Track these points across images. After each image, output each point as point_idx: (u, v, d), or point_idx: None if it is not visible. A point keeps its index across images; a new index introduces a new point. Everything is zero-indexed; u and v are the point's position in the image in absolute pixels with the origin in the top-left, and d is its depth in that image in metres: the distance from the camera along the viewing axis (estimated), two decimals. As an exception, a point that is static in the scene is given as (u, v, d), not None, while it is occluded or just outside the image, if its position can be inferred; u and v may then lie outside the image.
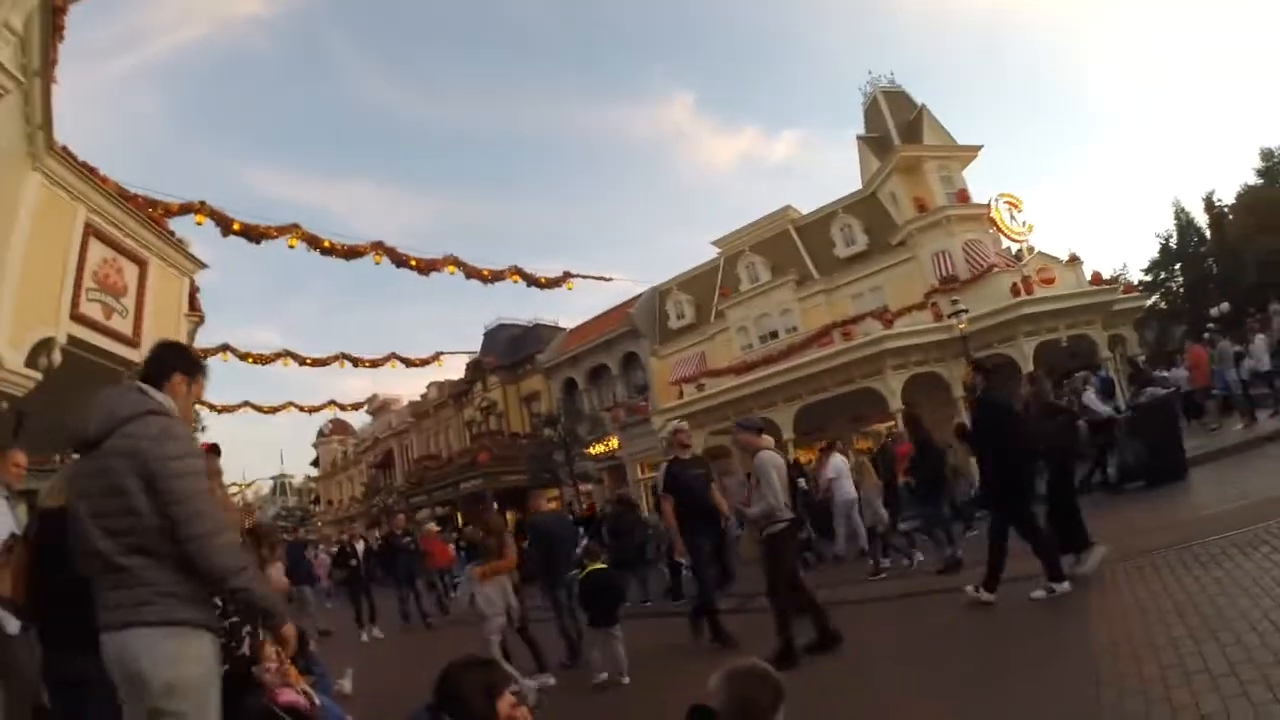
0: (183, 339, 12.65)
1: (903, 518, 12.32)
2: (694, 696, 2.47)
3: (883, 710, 5.63)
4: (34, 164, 8.52)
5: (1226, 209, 54.85)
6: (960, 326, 21.89)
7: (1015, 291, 23.58)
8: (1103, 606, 6.65)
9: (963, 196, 28.01)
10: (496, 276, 23.32)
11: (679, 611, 11.52)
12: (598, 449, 35.39)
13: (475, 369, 42.74)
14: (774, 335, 29.75)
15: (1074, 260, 26.84)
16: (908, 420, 12.26)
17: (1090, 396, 14.80)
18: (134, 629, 2.75)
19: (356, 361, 32.53)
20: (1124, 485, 13.55)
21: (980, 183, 36.74)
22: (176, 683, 2.76)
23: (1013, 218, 27.09)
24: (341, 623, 16.11)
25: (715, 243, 33.88)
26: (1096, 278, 26.69)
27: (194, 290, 13.49)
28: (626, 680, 7.69)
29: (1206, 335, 23.02)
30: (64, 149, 8.98)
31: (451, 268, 21.94)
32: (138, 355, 10.58)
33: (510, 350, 42.85)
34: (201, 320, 14.68)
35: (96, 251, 9.89)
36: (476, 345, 43.79)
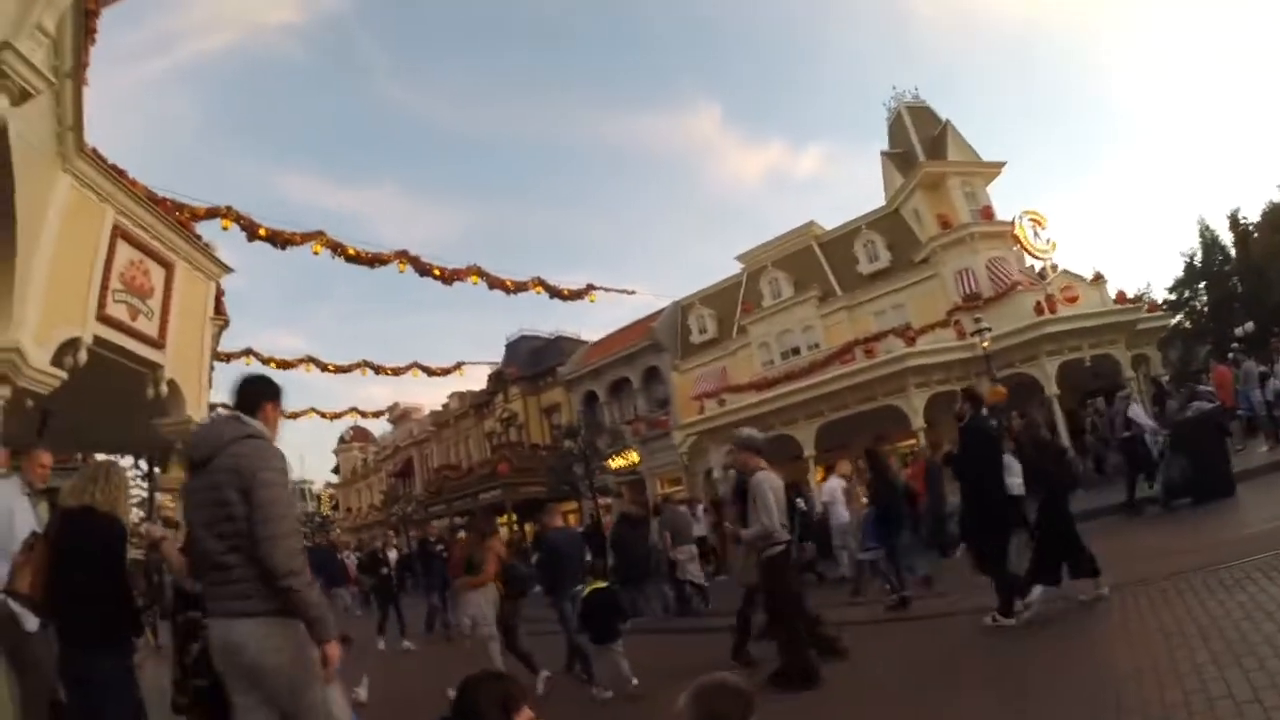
0: (207, 343, 12.79)
1: (863, 547, 12.34)
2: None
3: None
4: (64, 165, 8.57)
5: (1252, 227, 54.37)
6: (983, 345, 21.80)
7: (1039, 310, 23.47)
8: (1126, 631, 6.60)
9: (987, 213, 28.00)
10: (519, 287, 23.35)
11: (681, 629, 12.06)
12: (617, 462, 35.31)
13: (497, 379, 42.82)
14: (796, 351, 29.65)
15: (1098, 279, 26.74)
16: (867, 454, 12.17)
17: (1136, 410, 14.80)
18: (239, 619, 3.25)
19: (378, 369, 32.62)
20: (1171, 503, 13.21)
21: (1004, 199, 36.56)
22: (280, 665, 3.24)
23: (1036, 235, 26.98)
24: (361, 629, 16.08)
25: (739, 257, 34.01)
26: (1120, 297, 26.53)
27: (219, 294, 13.60)
28: (635, 682, 7.72)
29: (1231, 355, 22.88)
30: (94, 151, 9.03)
31: (475, 278, 21.98)
32: (162, 357, 10.67)
33: (532, 361, 43.00)
34: (226, 324, 14.79)
35: (124, 253, 9.93)
36: (499, 356, 44.08)
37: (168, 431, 11.46)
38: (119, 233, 9.84)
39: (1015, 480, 8.91)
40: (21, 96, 6.22)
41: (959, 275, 26.85)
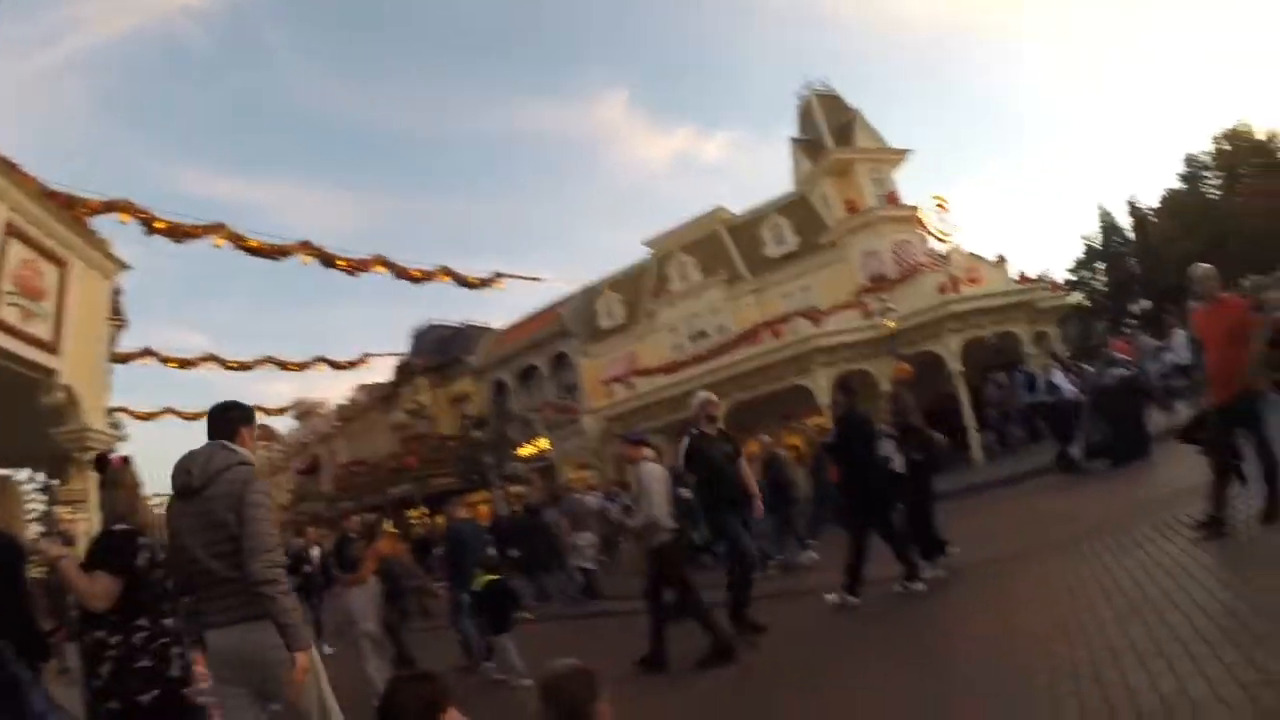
0: (104, 345, 12.25)
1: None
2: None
3: (826, 701, 5.62)
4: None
5: (1149, 212, 56.46)
6: (889, 325, 21.99)
7: (942, 290, 23.71)
8: (1035, 592, 6.86)
9: (893, 198, 28.63)
10: (426, 277, 22.92)
11: (588, 613, 12.42)
12: (528, 450, 34.86)
13: (403, 371, 41.90)
14: (704, 335, 29.64)
15: (1000, 260, 27.22)
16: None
17: (1059, 377, 15.16)
18: (251, 622, 3.62)
19: (282, 365, 31.82)
20: (1091, 463, 13.77)
21: (911, 185, 37.06)
22: (282, 657, 3.59)
23: (941, 219, 27.55)
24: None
25: (646, 243, 33.80)
26: (1022, 277, 27.15)
27: (116, 293, 12.99)
28: (527, 682, 7.53)
29: (1128, 331, 23.46)
30: (-17, 146, 8.48)
31: (380, 268, 21.50)
32: (58, 362, 10.16)
33: (439, 351, 42.15)
34: (124, 325, 14.15)
35: (16, 252, 9.49)
36: (405, 346, 43.12)
37: (65, 440, 10.96)
38: (11, 230, 9.30)
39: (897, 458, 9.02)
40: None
41: (865, 258, 27.30)
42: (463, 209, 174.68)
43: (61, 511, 14.93)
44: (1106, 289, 54.07)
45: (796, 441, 24.62)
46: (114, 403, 14.24)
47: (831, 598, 8.21)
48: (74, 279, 10.71)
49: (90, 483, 9.94)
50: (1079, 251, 59.52)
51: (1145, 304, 37.94)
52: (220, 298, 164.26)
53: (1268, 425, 6.24)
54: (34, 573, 7.37)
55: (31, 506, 13.48)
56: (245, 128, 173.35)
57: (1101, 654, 4.79)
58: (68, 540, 10.80)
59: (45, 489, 14.24)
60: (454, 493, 36.19)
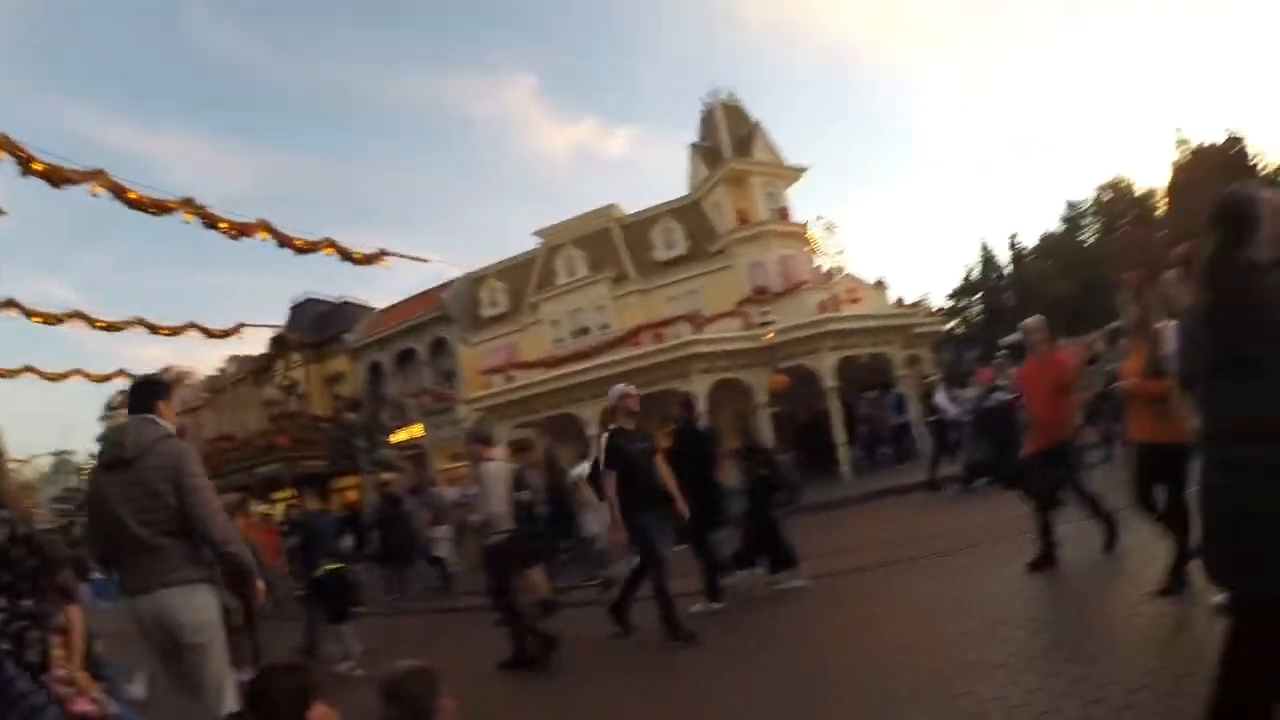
0: None
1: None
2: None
3: (685, 705, 5.75)
4: None
5: (1028, 250, 58.92)
6: (768, 336, 22.29)
7: (823, 308, 24.32)
8: (895, 605, 7.13)
9: (784, 214, 29.21)
10: (310, 248, 22.09)
11: (442, 608, 12.43)
12: (401, 436, 34.30)
13: (278, 345, 40.34)
14: (586, 331, 29.61)
15: (880, 283, 28.12)
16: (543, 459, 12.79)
17: (941, 398, 15.52)
18: (169, 588, 3.93)
19: (153, 328, 30.34)
20: (973, 482, 14.16)
21: (803, 201, 37.99)
22: (202, 621, 3.99)
23: (828, 239, 28.49)
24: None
25: (537, 233, 33.42)
26: (900, 302, 28.01)
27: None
28: (360, 672, 7.81)
29: (996, 360, 24.26)
30: None
31: (263, 234, 20.62)
32: None
33: (317, 327, 40.99)
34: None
35: None
36: (282, 319, 41.63)
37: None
38: None
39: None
40: None
41: (752, 269, 27.66)
42: (355, 179, 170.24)
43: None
44: (981, 318, 56.01)
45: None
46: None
47: (696, 607, 8.25)
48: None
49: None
50: (958, 280, 61.60)
51: (1017, 336, 39.30)
52: (93, 251, 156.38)
53: (1081, 470, 6.64)
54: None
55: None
56: (139, 70, 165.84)
57: (956, 665, 5.04)
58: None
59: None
60: (324, 476, 35.55)
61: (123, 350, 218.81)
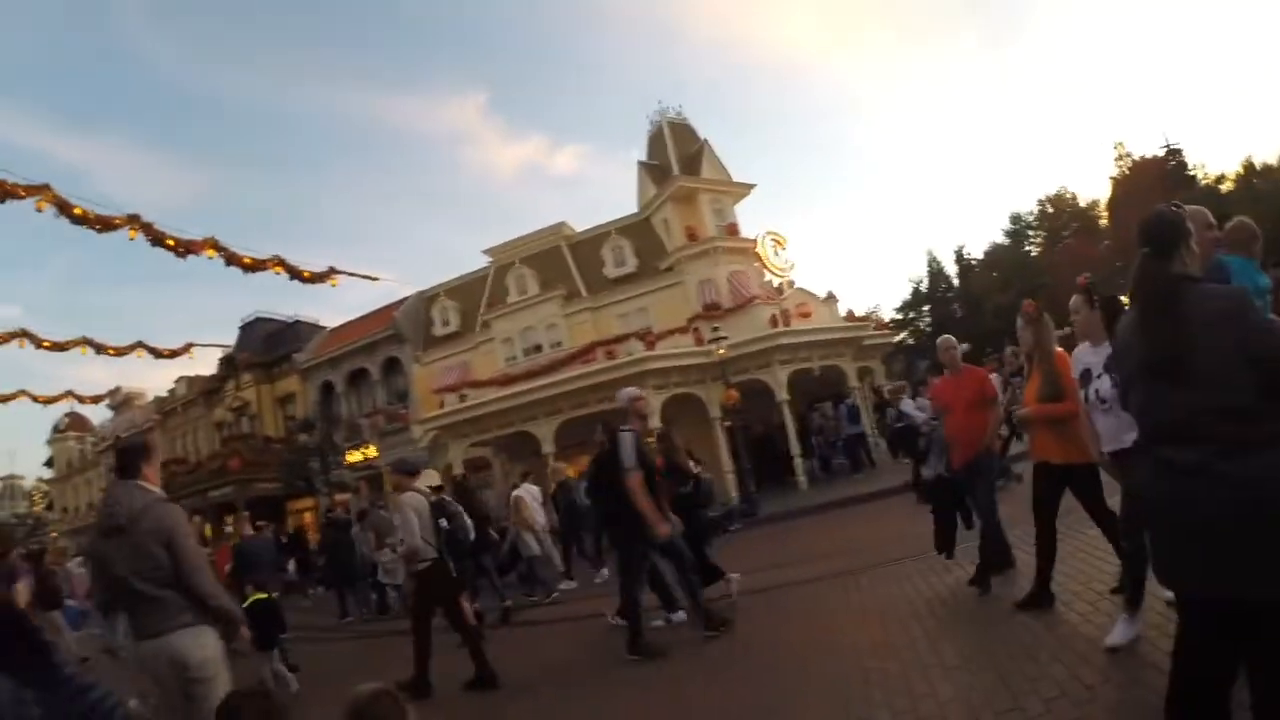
0: None
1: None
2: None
3: (660, 711, 5.84)
4: None
5: (974, 262, 59.97)
6: (720, 352, 22.47)
7: (774, 322, 24.57)
8: (851, 613, 7.21)
9: (732, 230, 29.37)
10: (258, 266, 21.86)
11: (385, 631, 12.24)
12: (355, 457, 34.06)
13: (228, 365, 39.99)
14: (539, 349, 29.61)
15: (830, 297, 28.55)
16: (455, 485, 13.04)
17: (907, 404, 15.75)
18: (176, 632, 4.28)
19: (100, 348, 29.83)
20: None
21: (751, 217, 38.19)
22: (209, 658, 4.35)
23: (777, 254, 29.00)
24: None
25: (487, 251, 33.34)
26: (850, 315, 28.44)
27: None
28: (295, 689, 8.33)
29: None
30: None
31: (211, 251, 20.36)
32: None
33: (267, 347, 40.63)
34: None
35: None
36: (232, 338, 41.05)
37: None
38: None
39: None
40: None
41: (702, 285, 27.87)
42: (304, 197, 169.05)
43: None
44: (930, 329, 56.82)
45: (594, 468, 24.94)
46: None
47: (657, 623, 8.37)
48: None
49: None
50: (907, 293, 62.55)
51: (965, 347, 40.02)
52: (37, 269, 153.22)
53: (994, 485, 6.83)
54: None
55: None
56: (84, 79, 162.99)
57: (917, 668, 5.17)
58: None
59: None
60: (278, 498, 35.18)
61: (68, 371, 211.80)
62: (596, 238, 31.70)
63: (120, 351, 30.38)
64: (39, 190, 16.14)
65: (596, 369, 24.21)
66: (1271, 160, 52.17)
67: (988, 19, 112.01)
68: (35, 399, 34.07)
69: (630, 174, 33.76)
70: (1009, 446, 13.59)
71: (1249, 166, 52.97)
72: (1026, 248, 60.10)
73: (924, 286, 62.49)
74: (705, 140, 31.52)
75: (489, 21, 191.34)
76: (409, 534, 7.60)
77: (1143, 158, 53.42)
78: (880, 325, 35.36)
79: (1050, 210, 60.42)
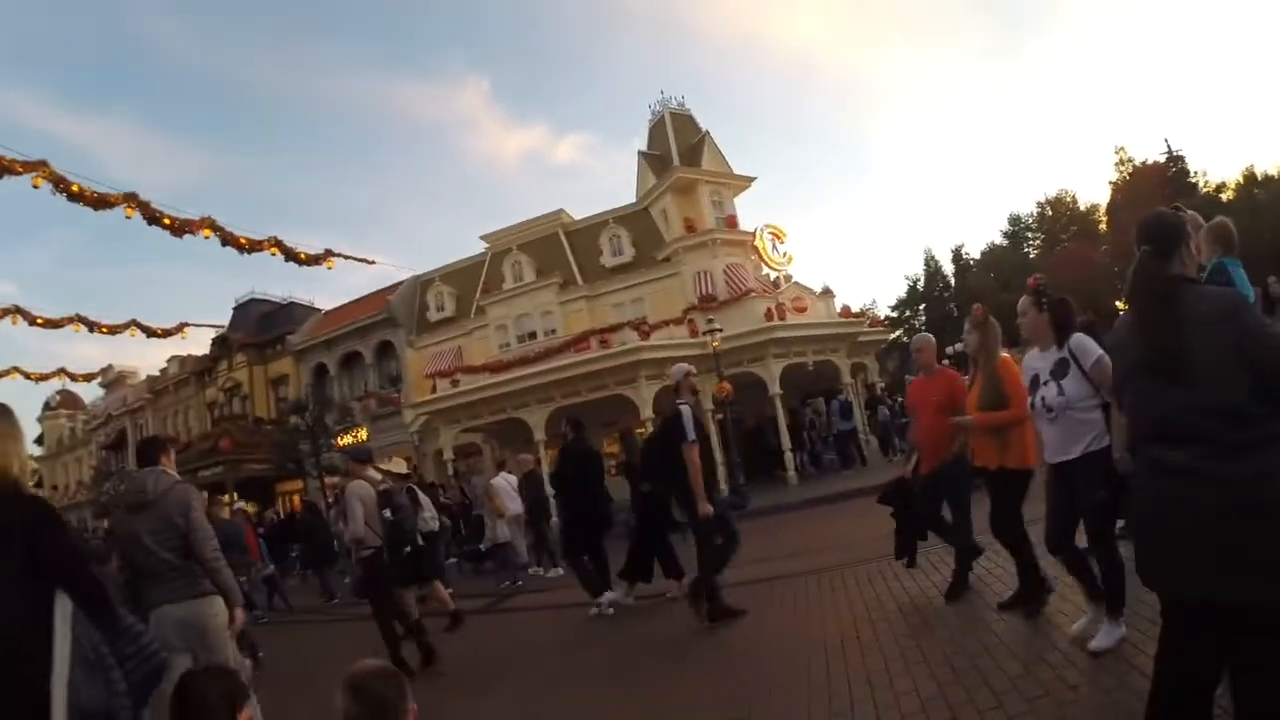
0: None
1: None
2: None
3: (638, 699, 5.82)
4: None
5: (972, 262, 60.03)
6: (714, 344, 22.41)
7: (769, 316, 24.49)
8: (835, 608, 7.14)
9: (731, 222, 29.34)
10: (254, 246, 21.72)
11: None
12: (346, 440, 33.87)
13: (222, 345, 39.96)
14: (533, 336, 29.56)
15: (826, 293, 28.41)
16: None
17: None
18: (196, 599, 4.95)
19: (93, 326, 29.69)
20: None
21: (750, 210, 38.27)
22: (219, 623, 4.99)
23: (775, 247, 28.88)
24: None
25: (484, 237, 33.31)
26: (846, 310, 28.30)
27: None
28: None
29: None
30: None
31: (207, 231, 20.24)
32: None
33: (261, 327, 40.59)
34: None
35: None
36: (225, 319, 40.92)
37: None
38: None
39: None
40: None
41: (698, 277, 27.80)
42: (303, 178, 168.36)
43: None
44: (925, 328, 56.89)
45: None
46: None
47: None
48: None
49: None
50: (903, 291, 62.62)
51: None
52: (34, 245, 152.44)
53: (969, 493, 6.52)
54: None
55: None
56: (85, 59, 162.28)
57: (896, 665, 5.15)
58: None
59: None
60: (268, 479, 35.10)
61: (62, 348, 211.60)
62: (594, 226, 31.69)
63: (113, 330, 30.21)
64: (36, 166, 16.04)
65: (589, 358, 24.14)
66: (1273, 171, 52.34)
67: (993, 21, 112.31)
68: (27, 376, 33.92)
69: (631, 164, 33.77)
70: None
71: (1250, 176, 53.13)
72: (1025, 249, 60.29)
73: (920, 285, 62.70)
74: (706, 131, 31.44)
75: (495, 7, 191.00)
76: (353, 522, 7.81)
77: (1144, 163, 53.58)
78: (875, 322, 35.44)
79: (1049, 213, 60.60)
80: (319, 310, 40.85)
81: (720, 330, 22.73)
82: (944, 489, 6.65)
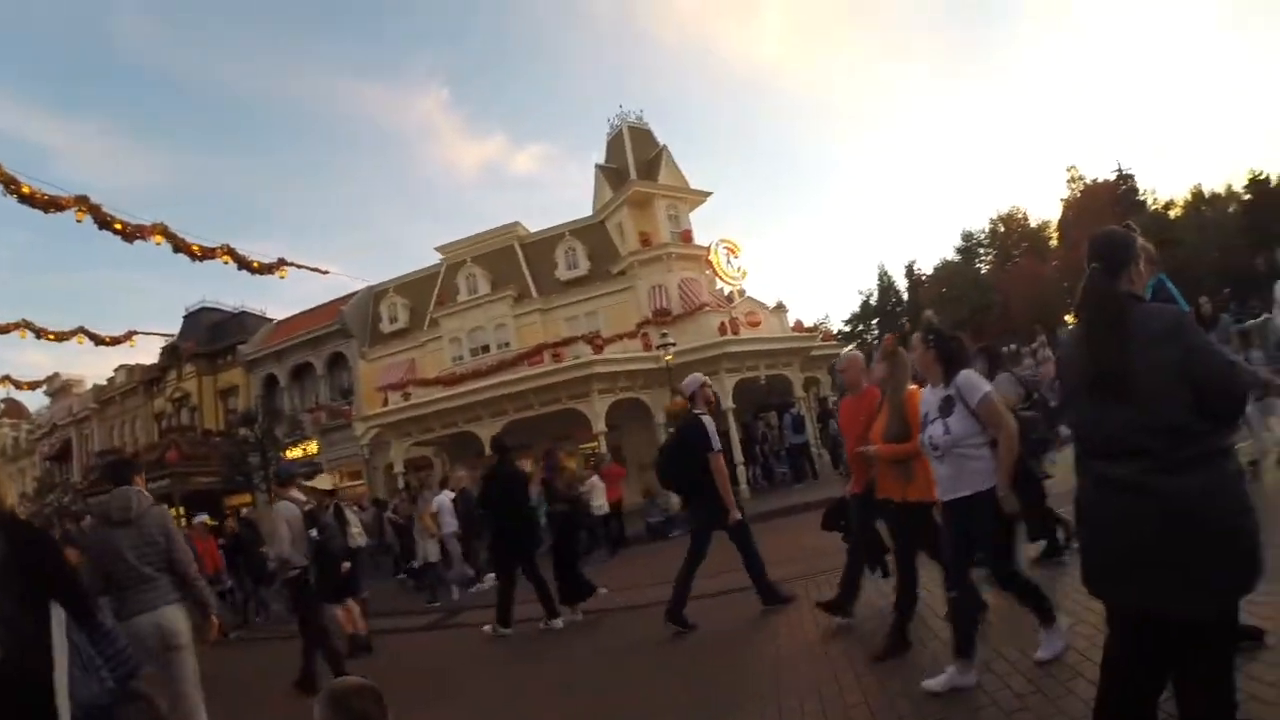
0: None
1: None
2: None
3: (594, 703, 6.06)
4: None
5: (924, 277, 60.78)
6: (666, 358, 22.44)
7: (722, 330, 24.61)
8: (787, 621, 7.28)
9: (686, 236, 29.48)
10: (206, 254, 21.38)
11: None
12: (295, 452, 33.45)
13: (171, 354, 39.04)
14: (486, 349, 29.44)
15: (780, 307, 28.58)
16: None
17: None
18: (167, 607, 5.27)
19: (39, 332, 29.10)
20: None
21: (706, 225, 38.37)
22: (185, 630, 5.32)
23: (729, 262, 28.99)
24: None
25: (439, 248, 33.04)
26: (799, 325, 28.50)
27: None
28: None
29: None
30: None
31: (159, 238, 19.88)
32: None
33: (212, 337, 39.80)
34: None
35: None
36: (176, 327, 40.21)
37: None
38: None
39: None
40: None
41: (653, 291, 27.89)
42: (257, 183, 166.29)
43: None
44: (878, 343, 57.54)
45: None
46: None
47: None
48: None
49: None
50: (856, 306, 63.29)
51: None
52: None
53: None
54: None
55: None
56: (44, 55, 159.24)
57: (845, 674, 5.30)
58: None
59: None
60: (216, 493, 34.52)
61: (6, 355, 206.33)
62: (550, 239, 31.63)
63: (60, 336, 29.60)
64: (-14, 166, 15.71)
65: (542, 371, 24.08)
66: (1219, 189, 53.45)
67: (948, 40, 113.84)
68: (-31, 381, 33.12)
69: (588, 177, 33.75)
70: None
71: (1198, 194, 54.19)
72: (977, 265, 61.04)
73: (874, 300, 63.34)
74: (664, 146, 31.61)
75: (454, 12, 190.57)
76: (278, 543, 8.03)
77: (1095, 181, 54.49)
78: (828, 336, 35.72)
79: (1002, 229, 61.46)
80: (271, 320, 40.24)
81: (674, 344, 22.83)
82: (870, 513, 6.46)
